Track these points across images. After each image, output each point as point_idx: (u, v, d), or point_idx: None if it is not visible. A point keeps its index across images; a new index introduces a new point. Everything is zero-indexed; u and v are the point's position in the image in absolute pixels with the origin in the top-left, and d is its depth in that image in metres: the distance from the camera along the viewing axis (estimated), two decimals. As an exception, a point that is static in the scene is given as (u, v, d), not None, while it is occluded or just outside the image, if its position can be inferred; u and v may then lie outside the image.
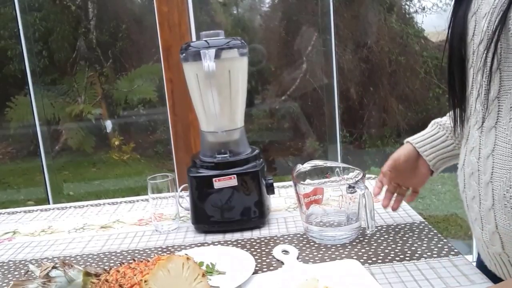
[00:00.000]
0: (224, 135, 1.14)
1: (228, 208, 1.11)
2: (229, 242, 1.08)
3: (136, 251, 1.08)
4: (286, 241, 1.06)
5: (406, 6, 4.81)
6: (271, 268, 0.94)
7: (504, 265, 0.80)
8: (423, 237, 1.01)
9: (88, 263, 1.04)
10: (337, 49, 3.68)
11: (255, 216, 1.13)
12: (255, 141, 4.29)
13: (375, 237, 1.03)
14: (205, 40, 1.10)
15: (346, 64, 4.35)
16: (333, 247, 1.00)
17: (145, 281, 0.66)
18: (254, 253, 1.00)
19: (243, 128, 1.19)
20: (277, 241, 1.06)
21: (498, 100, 0.71)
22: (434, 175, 1.05)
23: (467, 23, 0.78)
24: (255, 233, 1.11)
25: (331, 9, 3.49)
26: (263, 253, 1.00)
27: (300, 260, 0.95)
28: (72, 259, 1.07)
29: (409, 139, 1.04)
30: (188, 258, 0.72)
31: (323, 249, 1.00)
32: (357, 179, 1.01)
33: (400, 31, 4.53)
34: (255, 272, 0.91)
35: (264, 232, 1.11)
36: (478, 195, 0.78)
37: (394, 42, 4.51)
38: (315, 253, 0.98)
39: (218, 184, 1.11)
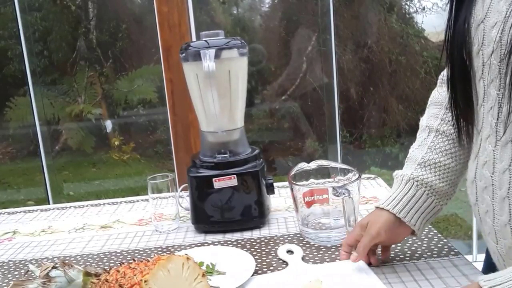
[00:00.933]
0: (224, 135, 1.14)
1: (228, 208, 1.11)
2: (229, 242, 1.08)
3: (136, 251, 1.08)
4: (286, 241, 1.06)
5: (406, 6, 4.81)
6: (271, 268, 0.94)
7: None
8: (423, 237, 1.01)
9: (88, 263, 1.04)
10: (337, 49, 3.68)
11: (255, 216, 1.13)
12: (255, 141, 4.29)
13: (375, 237, 1.03)
14: (205, 40, 1.10)
15: (346, 64, 4.35)
16: (333, 247, 1.00)
17: (145, 281, 0.66)
18: (254, 253, 1.00)
19: (243, 128, 1.19)
20: (277, 241, 1.06)
21: None
22: (415, 236, 0.92)
23: (469, 33, 0.75)
24: (255, 233, 1.11)
25: (331, 9, 3.49)
26: (263, 253, 1.00)
27: (304, 260, 0.95)
28: (72, 259, 1.07)
29: (385, 206, 0.89)
30: (188, 258, 0.72)
31: (323, 249, 0.99)
32: (350, 181, 1.01)
33: (400, 31, 4.53)
34: (255, 272, 0.91)
35: (264, 232, 1.11)
36: (492, 209, 0.76)
37: (394, 42, 4.51)
38: (315, 253, 0.98)
39: (218, 184, 1.11)
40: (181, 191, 1.24)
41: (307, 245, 1.02)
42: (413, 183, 0.88)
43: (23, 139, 4.56)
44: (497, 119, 0.72)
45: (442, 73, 0.93)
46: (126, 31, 4.65)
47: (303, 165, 1.08)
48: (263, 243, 1.05)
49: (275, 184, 1.17)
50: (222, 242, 1.08)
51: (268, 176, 1.17)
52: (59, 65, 4.51)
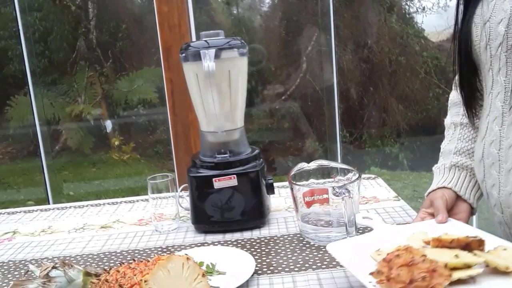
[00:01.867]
0: (224, 135, 1.14)
1: (228, 208, 1.11)
2: (229, 242, 1.08)
3: (136, 251, 1.08)
4: (286, 241, 1.06)
5: (406, 6, 4.82)
6: (271, 267, 0.94)
7: None
8: (423, 237, 1.01)
9: (88, 263, 1.04)
10: (337, 49, 3.68)
11: (255, 216, 1.13)
12: (255, 141, 4.30)
13: (375, 237, 1.03)
14: (205, 40, 1.10)
15: (346, 64, 4.35)
16: (333, 247, 1.00)
17: (145, 281, 0.66)
18: (254, 253, 1.00)
19: (243, 128, 1.19)
20: (277, 241, 1.06)
21: None
22: (473, 213, 0.98)
23: (473, 30, 0.86)
24: (255, 233, 1.11)
25: (331, 9, 3.49)
26: (263, 253, 1.00)
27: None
28: (72, 259, 1.07)
29: (439, 185, 0.96)
30: (188, 258, 0.72)
31: (323, 250, 0.99)
32: (349, 181, 1.00)
33: (400, 31, 4.53)
34: (255, 272, 0.91)
35: (264, 232, 1.11)
36: (498, 182, 0.85)
37: (394, 42, 4.52)
38: (315, 253, 0.98)
39: (218, 184, 1.11)
40: (181, 191, 1.24)
41: (307, 245, 1.02)
42: (456, 169, 0.98)
43: (23, 139, 4.56)
44: (504, 102, 0.82)
45: (456, 77, 0.99)
46: (126, 31, 4.65)
47: (303, 165, 1.08)
48: (263, 243, 1.05)
49: (275, 184, 1.17)
50: (222, 242, 1.08)
51: (268, 176, 1.17)
52: (59, 65, 4.51)
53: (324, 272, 0.90)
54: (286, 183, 1.48)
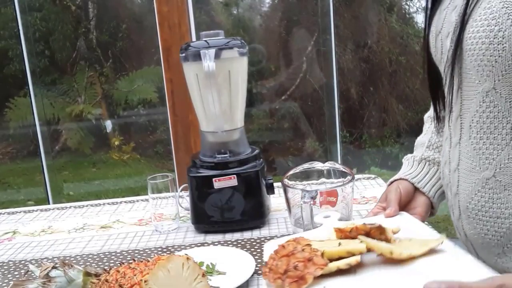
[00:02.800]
0: (224, 135, 1.14)
1: (228, 208, 1.11)
2: (229, 242, 1.08)
3: (136, 251, 1.08)
4: (286, 241, 1.06)
5: (406, 6, 4.82)
6: (271, 268, 0.94)
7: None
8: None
9: (88, 263, 1.04)
10: (337, 49, 3.68)
11: (255, 216, 1.13)
12: (255, 141, 4.29)
13: (375, 237, 1.03)
14: (205, 40, 1.10)
15: (346, 64, 4.35)
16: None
17: (145, 281, 0.66)
18: (254, 253, 1.00)
19: (243, 128, 1.19)
20: (277, 241, 1.06)
21: (461, 118, 0.75)
22: (433, 213, 0.95)
23: (430, 41, 0.82)
24: (255, 233, 1.11)
25: (331, 9, 3.49)
26: (263, 253, 1.00)
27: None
28: (72, 259, 1.07)
29: (401, 176, 0.95)
30: (188, 258, 0.72)
31: (323, 249, 0.99)
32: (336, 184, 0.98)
33: (400, 31, 4.53)
34: (255, 272, 0.91)
35: (264, 232, 1.11)
36: (451, 205, 0.82)
37: (394, 42, 4.51)
38: (315, 253, 0.98)
39: (218, 184, 1.11)
40: (181, 191, 1.24)
41: (307, 245, 1.02)
42: (425, 163, 0.95)
43: (23, 139, 4.56)
44: (450, 123, 0.79)
45: None
46: (126, 31, 4.65)
47: (311, 164, 1.05)
48: (263, 243, 1.05)
49: (275, 184, 1.17)
50: (222, 242, 1.08)
51: (268, 176, 1.17)
52: (59, 65, 4.51)
53: (324, 272, 0.90)
54: (286, 183, 1.49)
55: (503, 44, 0.64)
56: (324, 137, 4.18)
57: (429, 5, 0.82)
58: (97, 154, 4.73)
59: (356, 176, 1.50)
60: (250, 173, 1.11)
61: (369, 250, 0.66)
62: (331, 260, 0.65)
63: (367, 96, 4.49)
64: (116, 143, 4.59)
